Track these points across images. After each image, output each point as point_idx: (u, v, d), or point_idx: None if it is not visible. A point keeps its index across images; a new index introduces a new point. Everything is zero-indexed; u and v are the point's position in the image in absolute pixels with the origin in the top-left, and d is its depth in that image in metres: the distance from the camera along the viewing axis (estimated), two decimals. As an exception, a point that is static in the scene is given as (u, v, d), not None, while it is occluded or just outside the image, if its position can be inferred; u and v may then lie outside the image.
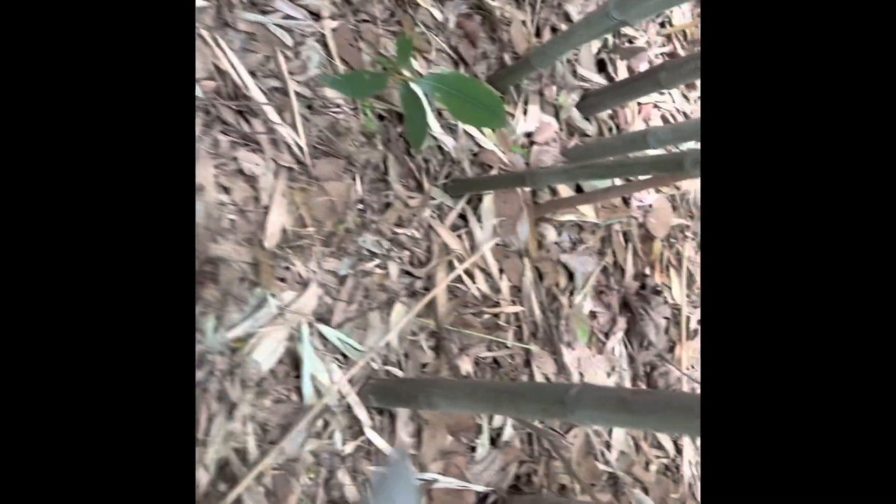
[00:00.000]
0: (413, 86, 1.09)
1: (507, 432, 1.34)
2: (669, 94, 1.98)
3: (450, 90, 1.08)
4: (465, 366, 1.35)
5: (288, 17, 1.20)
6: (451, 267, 1.40)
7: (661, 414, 0.70)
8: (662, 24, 2.08)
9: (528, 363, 1.46)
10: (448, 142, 1.44)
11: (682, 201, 1.98)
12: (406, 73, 1.12)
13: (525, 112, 1.64)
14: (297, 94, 1.17)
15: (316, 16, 1.25)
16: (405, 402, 1.04)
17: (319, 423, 1.09)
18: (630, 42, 1.91)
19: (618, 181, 1.55)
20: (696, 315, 1.89)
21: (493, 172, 1.50)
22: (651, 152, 1.47)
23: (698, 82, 2.01)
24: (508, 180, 1.26)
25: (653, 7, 1.35)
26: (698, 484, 1.69)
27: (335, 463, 1.09)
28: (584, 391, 0.77)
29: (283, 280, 1.13)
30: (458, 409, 0.97)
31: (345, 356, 1.15)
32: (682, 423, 0.69)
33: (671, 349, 1.81)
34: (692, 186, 2.00)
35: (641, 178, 1.42)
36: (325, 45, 1.27)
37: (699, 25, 2.10)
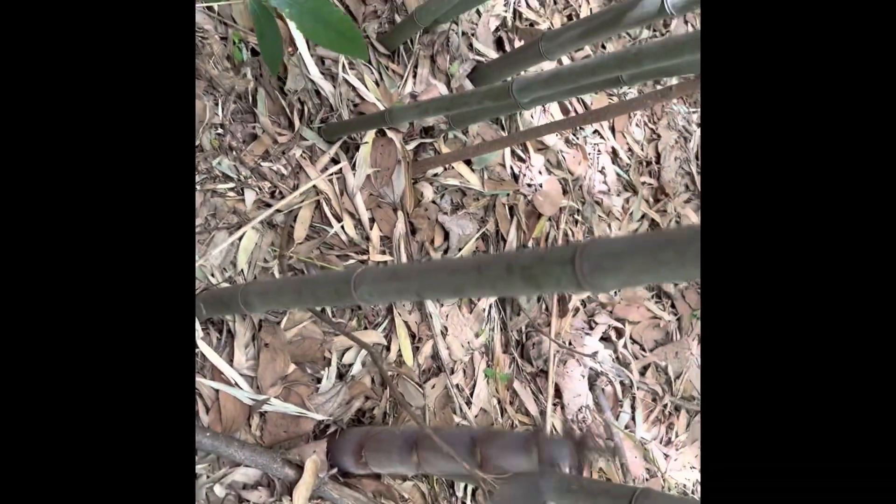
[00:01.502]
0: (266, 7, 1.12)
1: (356, 368, 1.35)
2: (569, 81, 2.04)
3: (302, 9, 1.11)
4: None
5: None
6: (317, 207, 1.42)
7: (422, 277, 0.73)
8: (570, 17, 2.15)
9: (390, 309, 1.48)
10: (326, 87, 1.47)
11: (575, 186, 2.03)
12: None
13: (414, 74, 1.68)
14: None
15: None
16: (227, 308, 1.05)
17: (143, 323, 1.09)
18: (532, 25, 1.98)
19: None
20: (578, 294, 1.93)
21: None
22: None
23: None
24: (372, 119, 1.29)
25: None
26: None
27: (158, 367, 1.09)
28: (366, 271, 0.80)
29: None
30: (270, 305, 0.98)
31: (182, 267, 1.16)
32: (440, 281, 0.71)
33: (549, 323, 1.84)
34: (585, 172, 2.06)
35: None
36: (198, -28, 1.29)
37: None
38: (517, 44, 1.91)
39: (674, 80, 1.60)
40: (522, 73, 1.86)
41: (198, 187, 1.21)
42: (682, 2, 1.23)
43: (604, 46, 2.14)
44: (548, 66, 1.95)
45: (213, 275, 1.19)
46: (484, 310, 1.67)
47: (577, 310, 1.92)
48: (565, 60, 1.98)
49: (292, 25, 1.38)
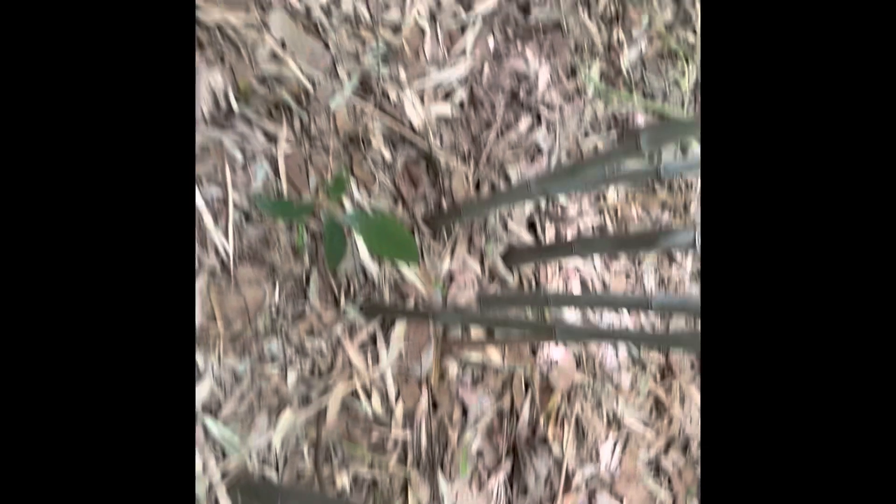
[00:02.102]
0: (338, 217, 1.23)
1: (368, 553, 1.39)
2: (593, 263, 2.16)
3: (369, 226, 1.22)
4: (343, 480, 1.41)
5: (244, 135, 1.35)
6: (350, 383, 1.49)
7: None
8: (597, 198, 2.29)
9: (404, 488, 1.53)
10: (372, 268, 1.57)
11: (588, 360, 2.11)
12: (335, 203, 1.26)
13: (452, 253, 1.79)
14: (236, 205, 1.30)
15: (271, 139, 1.41)
16: (263, 503, 1.11)
17: (182, 510, 1.14)
18: (562, 209, 2.11)
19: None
20: (582, 471, 1.98)
21: (410, 302, 1.63)
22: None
23: (620, 259, 2.20)
24: (416, 314, 1.39)
25: (571, 187, 1.54)
26: None
27: (189, 552, 1.14)
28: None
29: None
30: (309, 518, 1.04)
31: (224, 452, 1.22)
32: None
33: (552, 499, 1.88)
34: (598, 348, 2.15)
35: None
36: (275, 167, 1.41)
37: (631, 205, 2.33)
38: (547, 226, 2.03)
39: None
40: (550, 257, 1.98)
41: (249, 370, 1.28)
42: (711, 245, 1.34)
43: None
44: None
45: (250, 457, 1.25)
46: (493, 490, 1.72)
47: (578, 488, 1.97)
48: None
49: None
